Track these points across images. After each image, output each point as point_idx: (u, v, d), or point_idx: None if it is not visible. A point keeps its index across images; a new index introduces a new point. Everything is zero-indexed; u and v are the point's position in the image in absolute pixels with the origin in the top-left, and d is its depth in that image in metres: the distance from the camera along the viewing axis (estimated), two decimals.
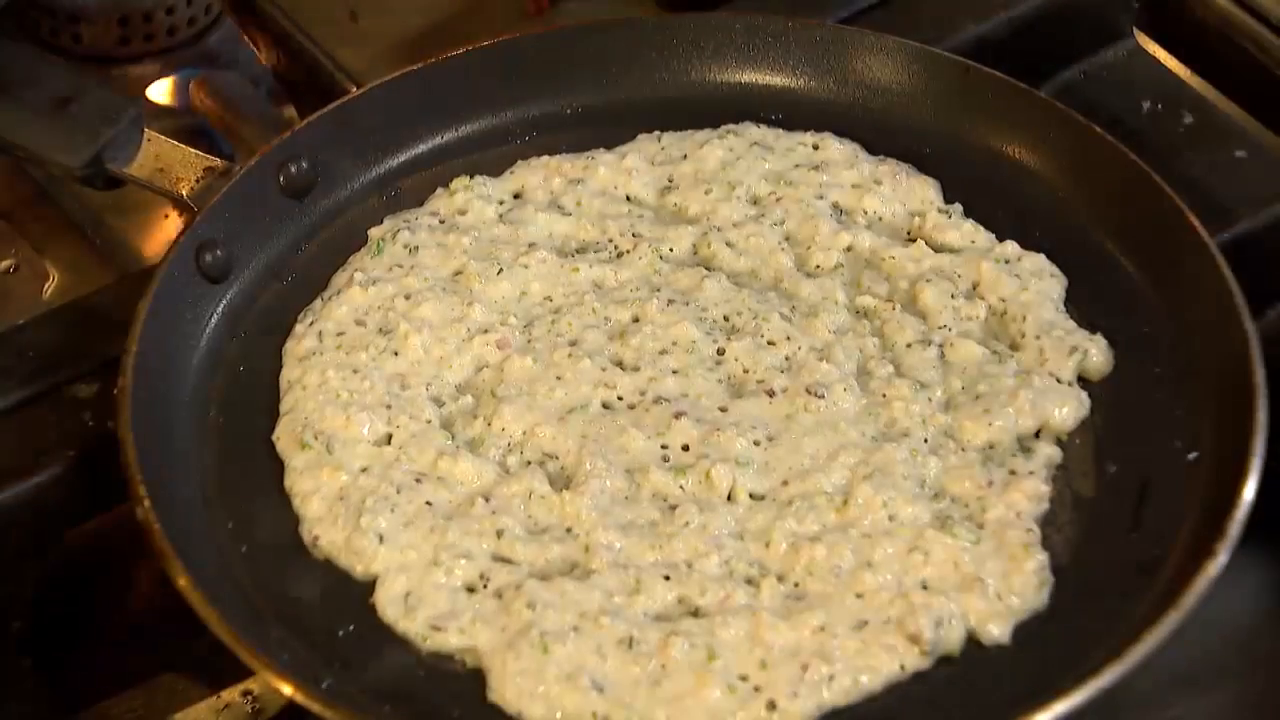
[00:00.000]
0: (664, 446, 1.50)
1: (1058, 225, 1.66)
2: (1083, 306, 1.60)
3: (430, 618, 1.40)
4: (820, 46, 1.79)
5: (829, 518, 1.45)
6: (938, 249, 1.65)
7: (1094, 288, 1.61)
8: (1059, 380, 1.54)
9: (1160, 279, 1.59)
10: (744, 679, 1.36)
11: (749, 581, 1.41)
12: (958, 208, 1.68)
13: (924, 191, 1.70)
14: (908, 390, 1.53)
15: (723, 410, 1.53)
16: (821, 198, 1.69)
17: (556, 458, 1.51)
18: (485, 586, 1.42)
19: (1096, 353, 1.56)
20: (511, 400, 1.53)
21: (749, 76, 1.81)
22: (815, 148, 1.73)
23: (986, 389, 1.53)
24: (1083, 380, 1.55)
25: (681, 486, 1.47)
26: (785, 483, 1.48)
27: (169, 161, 1.70)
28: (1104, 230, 1.65)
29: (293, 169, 1.69)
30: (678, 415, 1.51)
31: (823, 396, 1.52)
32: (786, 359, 1.56)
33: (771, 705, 1.34)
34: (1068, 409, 1.52)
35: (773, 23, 1.79)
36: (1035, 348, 1.56)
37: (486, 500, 1.47)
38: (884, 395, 1.53)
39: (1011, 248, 1.64)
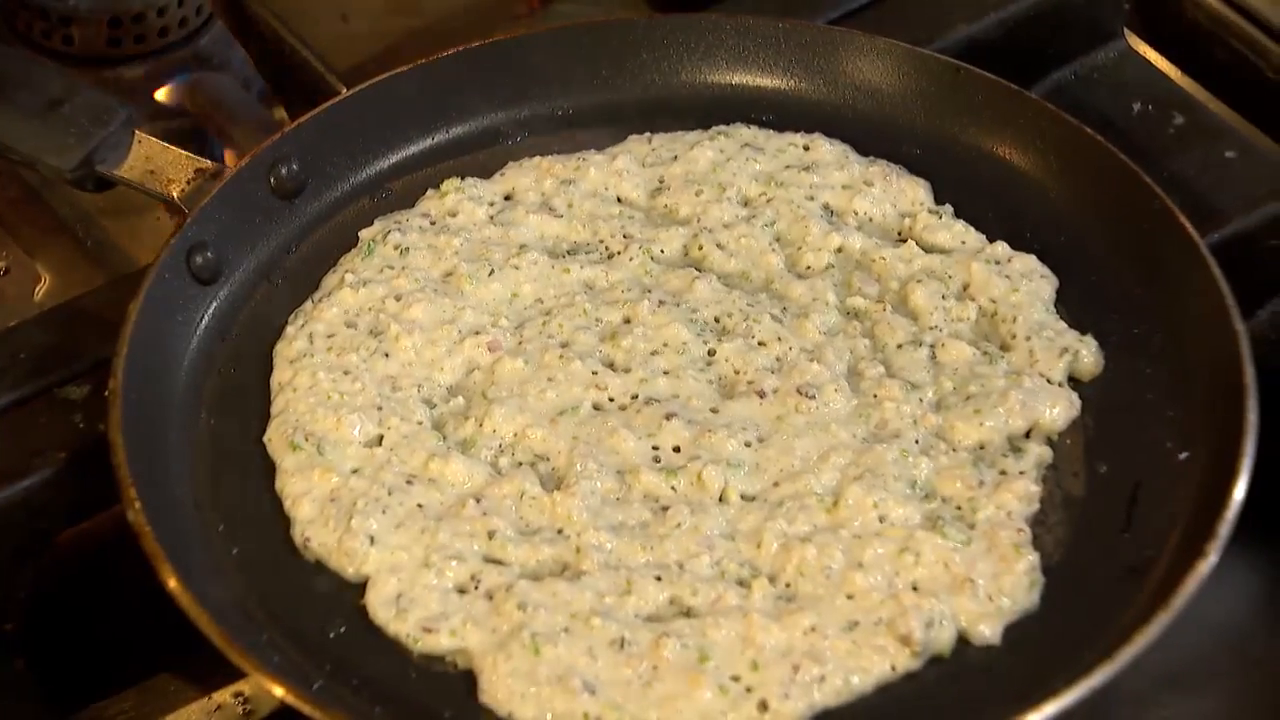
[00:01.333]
0: (655, 448, 1.50)
1: (1048, 226, 1.66)
2: (1073, 307, 1.60)
3: (421, 619, 1.40)
4: (810, 47, 1.79)
5: (820, 519, 1.45)
6: (928, 250, 1.65)
7: (1084, 288, 1.62)
8: (1050, 381, 1.54)
9: (1151, 280, 1.59)
10: (736, 680, 1.36)
11: (740, 582, 1.41)
12: (948, 209, 1.69)
13: (914, 192, 1.70)
14: (898, 391, 1.53)
15: (714, 411, 1.53)
16: (812, 199, 1.69)
17: (547, 459, 1.51)
18: (476, 588, 1.42)
19: (1087, 353, 1.56)
20: (502, 402, 1.53)
21: (739, 77, 1.81)
22: (806, 149, 1.73)
23: (977, 390, 1.53)
24: (1073, 381, 1.55)
25: (673, 487, 1.47)
26: (776, 484, 1.48)
27: (159, 163, 1.69)
28: (1094, 231, 1.65)
29: (283, 170, 1.69)
30: (669, 416, 1.51)
31: (814, 397, 1.52)
32: (777, 360, 1.56)
33: (763, 706, 1.34)
34: (1058, 409, 1.52)
35: (763, 24, 1.79)
36: (1026, 348, 1.56)
37: (478, 501, 1.46)
38: (875, 396, 1.53)
39: (1002, 249, 1.64)
